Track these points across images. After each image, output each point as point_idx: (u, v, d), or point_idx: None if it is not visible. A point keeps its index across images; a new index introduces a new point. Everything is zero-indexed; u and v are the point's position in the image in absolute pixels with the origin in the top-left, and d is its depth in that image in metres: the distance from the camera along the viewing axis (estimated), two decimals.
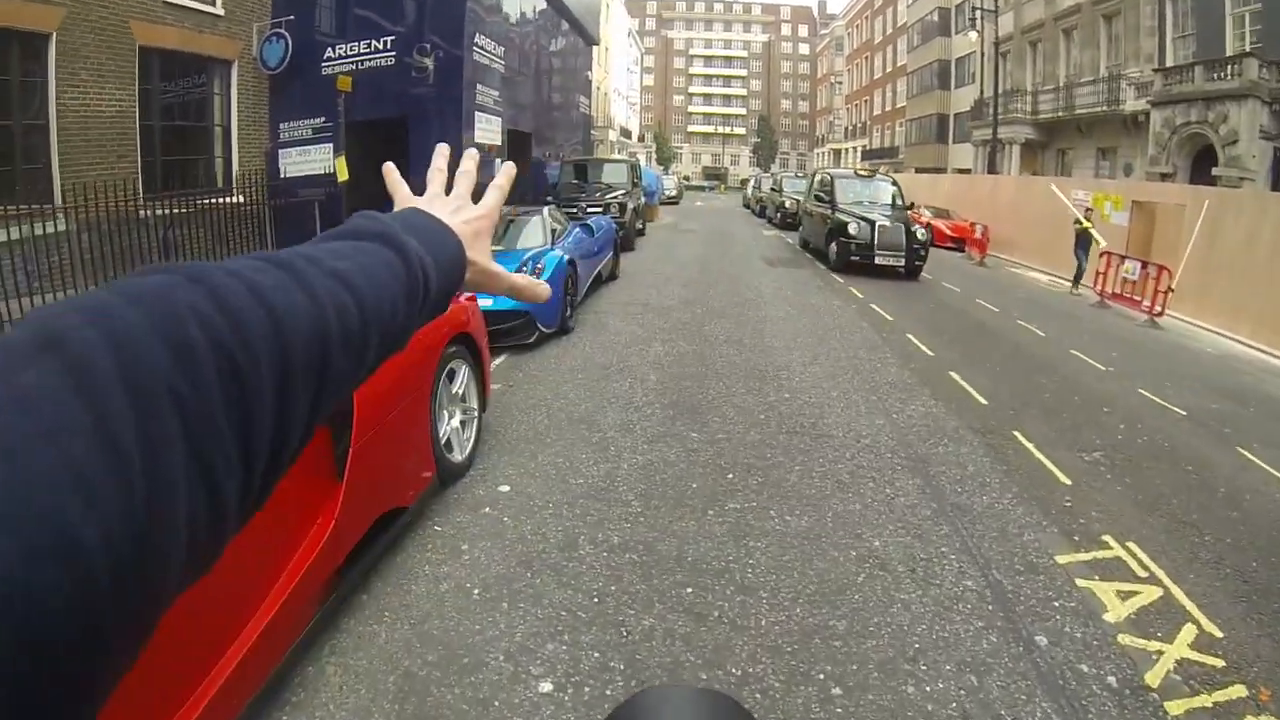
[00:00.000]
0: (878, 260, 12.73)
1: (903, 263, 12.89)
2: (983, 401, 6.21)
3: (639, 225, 17.36)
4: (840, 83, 62.38)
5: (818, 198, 15.59)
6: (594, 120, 33.09)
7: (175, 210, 10.03)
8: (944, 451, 5.03)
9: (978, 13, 28.40)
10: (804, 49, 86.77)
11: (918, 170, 36.14)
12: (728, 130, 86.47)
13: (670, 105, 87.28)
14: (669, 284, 11.15)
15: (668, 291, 10.50)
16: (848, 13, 60.25)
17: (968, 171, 31.69)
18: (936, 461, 4.84)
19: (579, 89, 22.89)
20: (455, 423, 4.54)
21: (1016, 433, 5.47)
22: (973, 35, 27.83)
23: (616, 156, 22.11)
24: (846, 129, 58.95)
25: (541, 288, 0.84)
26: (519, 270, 6.60)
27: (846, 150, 57.87)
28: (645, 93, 76.74)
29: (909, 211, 14.69)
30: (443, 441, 4.22)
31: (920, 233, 13.17)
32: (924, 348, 7.93)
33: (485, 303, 6.96)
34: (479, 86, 13.05)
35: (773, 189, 25.72)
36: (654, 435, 5.06)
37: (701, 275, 12.23)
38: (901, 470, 4.67)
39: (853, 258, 12.88)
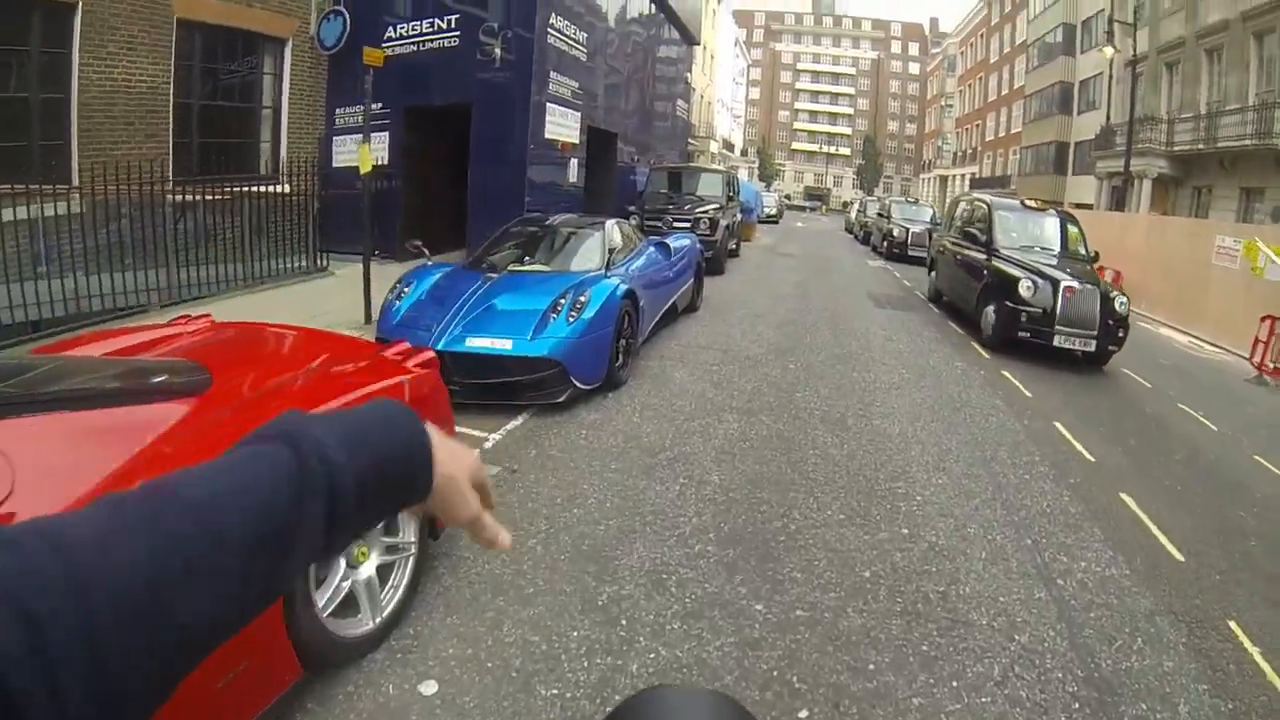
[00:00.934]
0: (1058, 341, 8.33)
1: (1094, 345, 8.43)
2: (1177, 556, 4.05)
3: (732, 245, 15.33)
4: (951, 105, 58.70)
5: (966, 235, 10.63)
6: (694, 129, 31.28)
7: (210, 197, 8.83)
8: (1141, 668, 2.97)
9: (1114, 24, 24.87)
10: (914, 68, 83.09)
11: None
12: (832, 149, 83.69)
13: (775, 120, 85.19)
14: (759, 323, 9.10)
15: (756, 334, 8.46)
16: (961, 30, 56.31)
17: (1089, 207, 28.21)
18: (1131, 694, 2.80)
19: (677, 91, 20.97)
20: (369, 570, 2.71)
21: (1233, 624, 3.39)
22: (1108, 51, 24.23)
23: (712, 166, 20.03)
24: (955, 154, 55.21)
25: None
26: (556, 302, 5.19)
27: (954, 177, 54.33)
28: (750, 106, 74.78)
29: (1096, 266, 10.22)
30: (326, 606, 2.46)
31: (1120, 302, 8.67)
32: (1079, 446, 5.69)
33: (503, 344, 5.13)
34: (553, 74, 11.32)
35: (880, 214, 23.12)
36: (695, 604, 3.14)
37: (799, 312, 10.11)
38: (1084, 714, 2.64)
39: (1022, 333, 8.47)
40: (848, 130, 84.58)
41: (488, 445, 4.81)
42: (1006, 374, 7.73)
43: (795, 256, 18.65)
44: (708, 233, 12.82)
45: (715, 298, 10.56)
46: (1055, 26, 35.01)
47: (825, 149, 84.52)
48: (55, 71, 8.67)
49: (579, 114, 12.41)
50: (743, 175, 36.35)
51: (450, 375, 5.34)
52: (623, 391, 5.90)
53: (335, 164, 12.30)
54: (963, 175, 51.43)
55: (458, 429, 5.04)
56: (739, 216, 16.68)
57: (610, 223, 7.50)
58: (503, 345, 5.22)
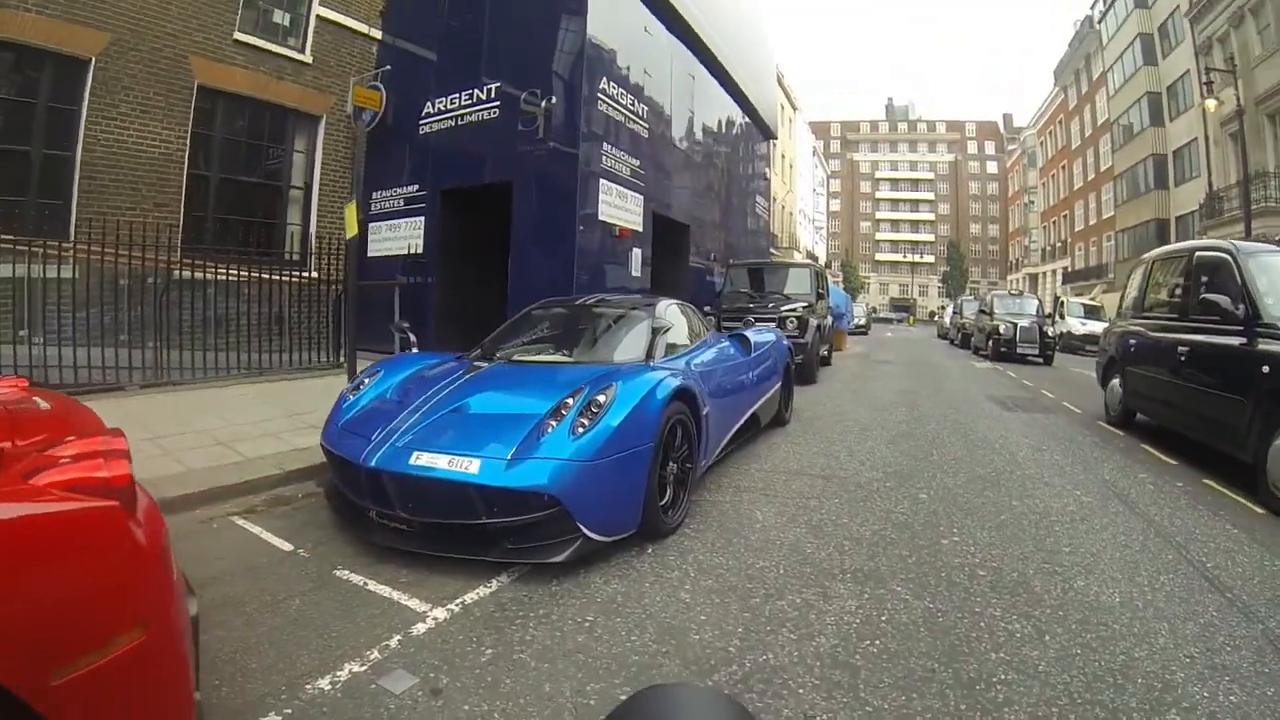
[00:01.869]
0: None
1: None
2: None
3: (823, 352, 13.12)
4: (1032, 201, 55.96)
5: (1189, 306, 6.40)
6: (777, 239, 29.95)
7: (223, 276, 7.87)
8: None
9: (1210, 74, 22.29)
10: (992, 167, 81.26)
11: None
12: (916, 258, 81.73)
13: (857, 232, 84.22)
14: (867, 438, 6.87)
15: (865, 451, 6.22)
16: (1038, 119, 53.57)
17: None
18: None
19: (756, 188, 19.46)
20: None
21: None
22: (1210, 104, 21.55)
23: (799, 260, 18.10)
24: (1044, 250, 52.00)
25: None
26: (562, 403, 3.59)
27: (1044, 274, 50.97)
28: (831, 218, 74.09)
29: None
30: None
31: None
32: None
33: (466, 465, 3.15)
34: (607, 147, 9.78)
35: (981, 311, 20.62)
36: None
37: (913, 423, 7.78)
38: None
39: None
40: (930, 237, 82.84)
41: (418, 630, 2.79)
42: (1210, 482, 5.36)
43: (893, 363, 16.21)
44: (797, 334, 10.82)
45: (808, 410, 8.39)
46: (1139, 98, 32.60)
47: (909, 257, 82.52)
48: (62, 128, 8.22)
49: (641, 197, 10.81)
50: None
51: (396, 510, 3.40)
52: (670, 544, 3.77)
53: (371, 253, 11.07)
54: (1054, 270, 48.15)
55: (385, 588, 3.09)
56: (830, 319, 14.58)
57: (664, 302, 5.59)
58: (466, 468, 3.24)
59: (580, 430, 3.37)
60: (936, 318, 51.98)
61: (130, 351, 6.80)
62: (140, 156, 8.61)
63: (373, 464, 3.37)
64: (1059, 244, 47.88)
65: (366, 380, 4.38)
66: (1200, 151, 26.40)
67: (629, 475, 3.51)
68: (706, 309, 11.86)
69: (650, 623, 2.89)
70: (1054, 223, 49.51)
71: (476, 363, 4.44)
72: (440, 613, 2.94)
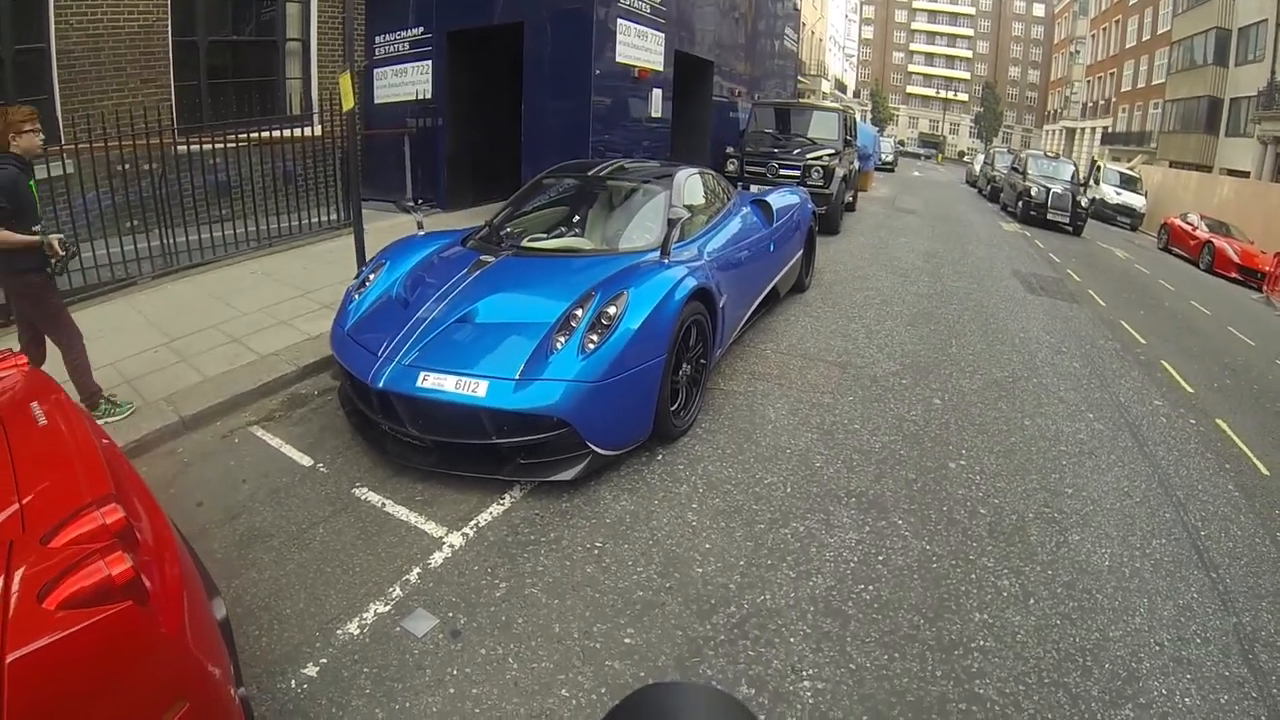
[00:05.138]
0: None
1: None
2: None
3: (848, 198, 12.67)
4: (1078, 51, 51.69)
5: None
6: (804, 66, 28.16)
7: (224, 144, 7.57)
8: None
9: None
10: (1039, 9, 74.18)
11: (1172, 164, 27.90)
12: (949, 94, 76.96)
13: (889, 62, 78.66)
14: (887, 315, 6.76)
15: (885, 334, 6.15)
16: None
17: (1244, 174, 23.56)
18: None
19: (785, 18, 18.03)
20: None
21: None
22: None
23: (827, 104, 17.07)
24: (1085, 105, 48.59)
25: None
26: (570, 314, 3.52)
27: (1082, 130, 47.72)
28: (863, 46, 69.24)
29: None
30: None
31: None
32: None
33: (474, 388, 3.14)
34: None
35: (1014, 169, 19.57)
36: None
37: (936, 299, 7.64)
38: None
39: None
40: (965, 74, 77.10)
41: (435, 561, 2.90)
42: (1222, 424, 5.26)
43: (918, 214, 15.66)
44: (821, 184, 10.37)
45: (829, 270, 8.22)
46: None
47: (942, 93, 77.69)
48: (29, 20, 7.48)
49: (662, 35, 10.04)
50: (856, 116, 32.76)
51: (404, 426, 3.44)
52: (681, 449, 3.83)
53: (377, 100, 10.61)
54: (1093, 128, 44.96)
55: (402, 509, 3.17)
56: (856, 164, 13.95)
57: (683, 174, 5.24)
58: (473, 390, 3.24)
59: (590, 347, 3.32)
60: (966, 159, 49.65)
61: (135, 241, 6.62)
62: (119, 34, 7.93)
63: (380, 385, 3.37)
64: (1102, 101, 44.35)
65: (371, 276, 4.29)
66: (1270, 34, 23.94)
67: (640, 390, 3.51)
68: (729, 149, 11.43)
69: (657, 550, 3.00)
70: (1099, 79, 45.58)
71: (483, 255, 4.29)
72: (456, 538, 3.05)
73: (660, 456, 3.73)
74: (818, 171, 10.53)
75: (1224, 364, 7.01)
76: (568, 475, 3.33)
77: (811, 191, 8.92)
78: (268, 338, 5.27)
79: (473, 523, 3.17)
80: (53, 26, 7.53)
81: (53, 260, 3.66)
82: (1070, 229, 16.17)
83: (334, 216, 8.68)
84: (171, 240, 7.04)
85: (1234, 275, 14.19)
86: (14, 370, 2.30)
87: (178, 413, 4.13)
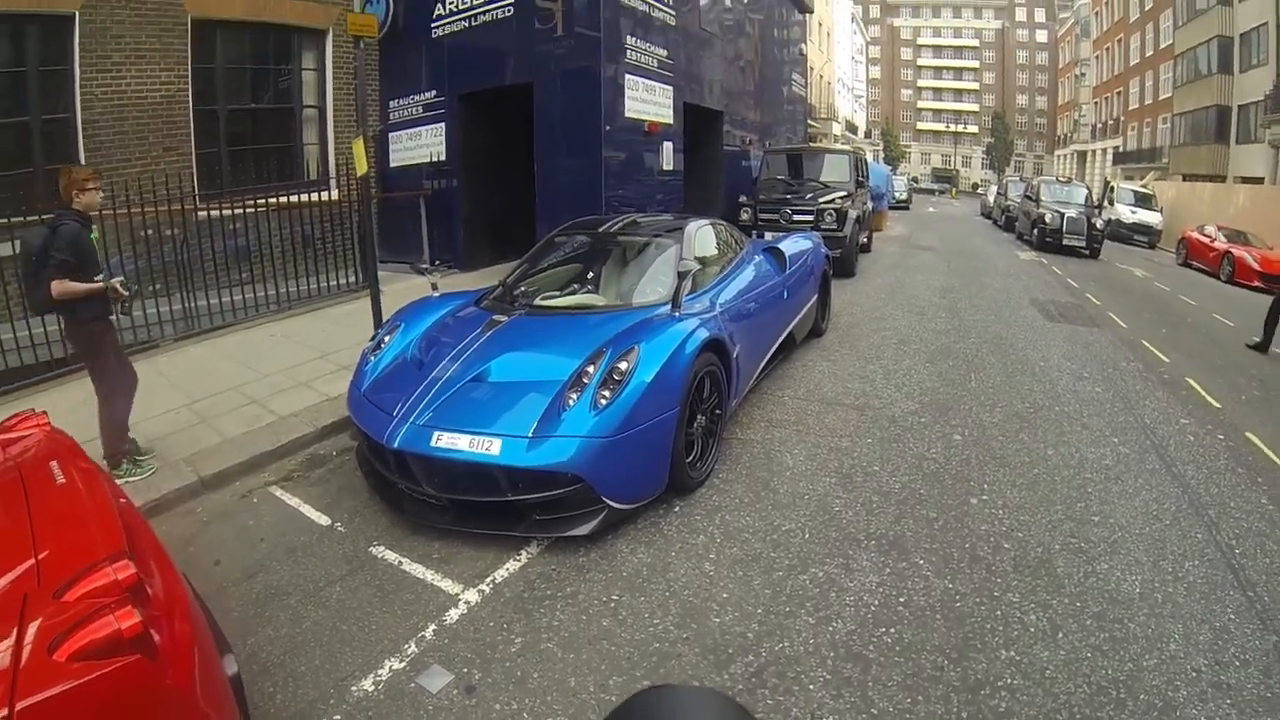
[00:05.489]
0: None
1: None
2: None
3: (863, 239, 12.73)
4: (1083, 73, 51.88)
5: None
6: (814, 110, 28.56)
7: (244, 210, 7.85)
8: None
9: None
10: (1041, 35, 74.74)
11: (1186, 178, 27.76)
12: (959, 128, 77.43)
13: (898, 100, 79.57)
14: (904, 354, 6.74)
15: (903, 373, 6.12)
16: None
17: (1258, 181, 23.44)
18: None
19: (792, 65, 18.37)
20: None
21: None
22: None
23: (837, 146, 17.28)
24: (1094, 127, 48.61)
25: None
26: (582, 370, 3.54)
27: (1093, 153, 47.68)
28: (871, 86, 70.09)
29: None
30: None
31: None
32: None
33: (488, 446, 3.16)
34: (632, 40, 9.24)
35: (1026, 196, 19.57)
36: None
37: (953, 334, 7.61)
38: None
39: None
40: (974, 107, 77.71)
41: (451, 617, 2.90)
42: (1252, 437, 5.12)
43: (934, 250, 15.67)
44: (834, 227, 10.44)
45: (845, 313, 8.23)
46: None
47: (952, 127, 78.16)
48: (57, 90, 7.84)
49: (670, 88, 10.28)
50: (869, 157, 33.06)
51: (420, 485, 3.47)
52: (698, 500, 3.81)
53: (392, 163, 10.92)
54: (1104, 149, 44.94)
55: (418, 567, 3.20)
56: (869, 205, 14.05)
57: (693, 226, 5.30)
58: (487, 448, 3.26)
59: (603, 403, 3.34)
60: (980, 190, 49.65)
61: (158, 304, 6.82)
62: (142, 104, 8.27)
63: (396, 445, 3.41)
64: (1111, 121, 44.54)
65: (386, 338, 4.37)
66: (1271, 36, 24.12)
67: (654, 444, 3.51)
68: (742, 198, 11.56)
69: (673, 601, 2.96)
70: (1106, 99, 45.87)
71: (496, 315, 4.36)
72: (472, 595, 3.04)
73: (677, 508, 3.72)
74: (830, 215, 10.61)
75: (1250, 375, 6.88)
76: (583, 530, 3.33)
77: (825, 235, 8.99)
78: (287, 399, 5.36)
79: (489, 579, 3.16)
80: (79, 98, 7.85)
81: (118, 303, 3.89)
82: (1087, 252, 16.12)
83: (352, 279, 8.86)
84: (193, 304, 7.24)
85: (1257, 284, 13.90)
86: (36, 430, 2.37)
87: (197, 473, 4.20)
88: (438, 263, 10.14)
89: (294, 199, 8.19)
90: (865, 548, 3.36)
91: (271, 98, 9.77)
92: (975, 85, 78.75)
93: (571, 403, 3.37)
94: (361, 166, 5.71)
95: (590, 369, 3.49)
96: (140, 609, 1.37)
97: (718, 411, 4.10)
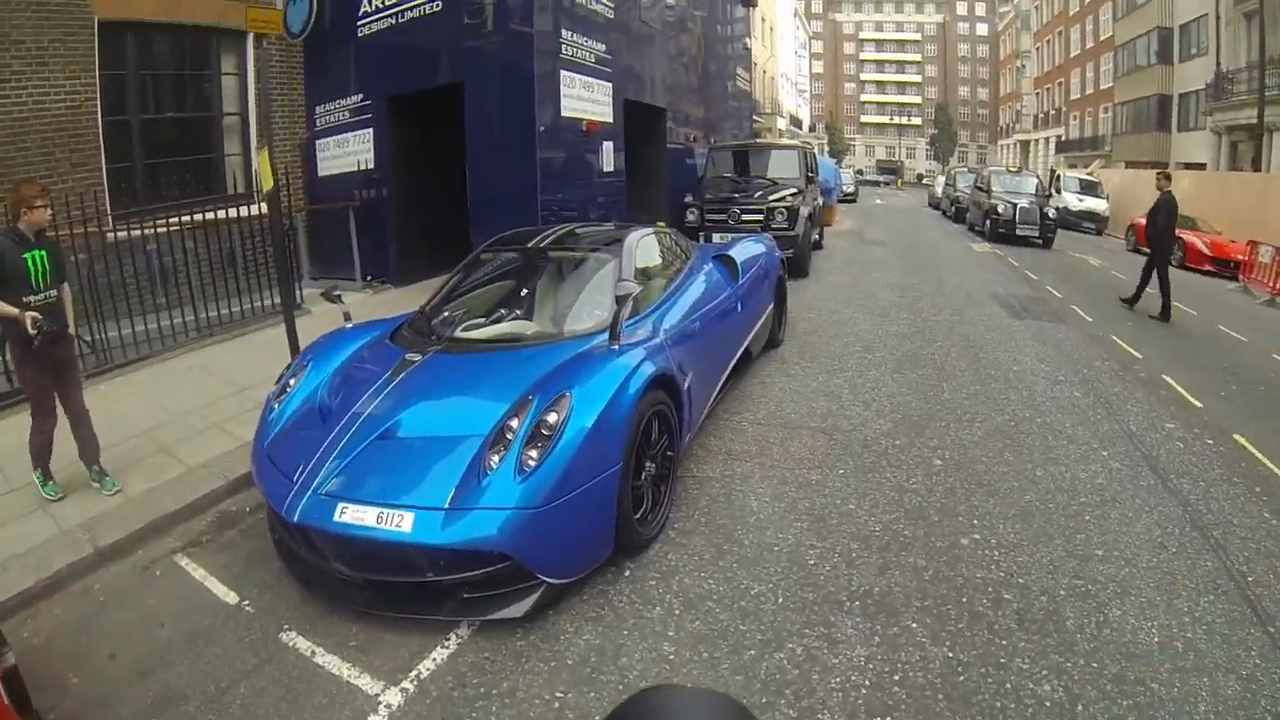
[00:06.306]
0: None
1: None
2: None
3: (815, 237, 12.39)
4: (1024, 65, 52.91)
5: None
6: (758, 105, 28.33)
7: (162, 229, 7.22)
8: None
9: None
10: (982, 29, 76.17)
11: (1129, 165, 28.36)
12: (903, 120, 78.60)
13: (841, 94, 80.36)
14: (870, 363, 6.36)
15: (868, 385, 5.74)
16: None
17: (1200, 166, 24.07)
18: None
19: (736, 59, 18.01)
20: None
21: None
22: None
23: (785, 142, 16.96)
24: (1036, 117, 49.56)
25: None
26: (504, 425, 3.01)
27: (1036, 142, 48.57)
28: (815, 81, 70.52)
29: None
30: None
31: None
32: None
33: (397, 521, 2.64)
34: (568, 35, 8.72)
35: (978, 188, 19.52)
36: None
37: (918, 337, 7.28)
38: None
39: None
40: (917, 99, 79.11)
41: None
42: (1241, 440, 4.85)
43: (886, 245, 15.44)
44: (786, 226, 10.07)
45: (802, 318, 7.84)
46: None
47: (895, 120, 79.24)
48: None
49: (610, 85, 9.78)
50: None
51: (329, 560, 2.95)
52: (652, 560, 3.32)
53: (320, 172, 10.25)
54: (1046, 139, 45.78)
55: (333, 659, 2.77)
56: (820, 201, 13.75)
57: (633, 238, 4.73)
58: (398, 524, 2.74)
59: (530, 465, 2.82)
60: (926, 181, 50.21)
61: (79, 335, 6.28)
62: (45, 115, 7.59)
63: (295, 520, 2.88)
64: (1053, 111, 45.36)
65: (292, 381, 3.79)
66: (1210, 28, 24.65)
67: (594, 507, 3.00)
68: (688, 198, 11.13)
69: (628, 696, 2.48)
70: (1048, 89, 46.74)
71: (409, 352, 3.78)
72: (394, 695, 2.56)
73: (628, 572, 3.23)
74: (781, 214, 10.24)
75: (1224, 368, 6.69)
76: (517, 612, 2.83)
77: (777, 235, 8.60)
78: (198, 445, 4.81)
79: (413, 673, 2.67)
80: None
81: (34, 335, 3.74)
82: (1040, 242, 16.11)
83: (277, 300, 8.24)
84: (106, 336, 6.57)
85: (1207, 268, 14.19)
86: None
87: (94, 543, 3.68)
88: (370, 278, 9.53)
89: (216, 215, 7.55)
90: (848, 611, 2.92)
91: (189, 105, 9.08)
92: (918, 78, 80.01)
93: (493, 466, 2.85)
94: (268, 181, 5.10)
95: (514, 423, 2.97)
96: None
97: (669, 453, 3.61)
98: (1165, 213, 9.10)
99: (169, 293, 7.27)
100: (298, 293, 8.41)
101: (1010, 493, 3.94)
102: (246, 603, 3.20)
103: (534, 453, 2.84)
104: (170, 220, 7.16)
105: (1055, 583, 3.12)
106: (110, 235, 6.91)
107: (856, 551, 3.34)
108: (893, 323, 7.83)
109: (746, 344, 5.52)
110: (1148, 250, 9.77)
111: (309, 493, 2.94)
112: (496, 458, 2.86)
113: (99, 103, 7.94)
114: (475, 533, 2.70)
